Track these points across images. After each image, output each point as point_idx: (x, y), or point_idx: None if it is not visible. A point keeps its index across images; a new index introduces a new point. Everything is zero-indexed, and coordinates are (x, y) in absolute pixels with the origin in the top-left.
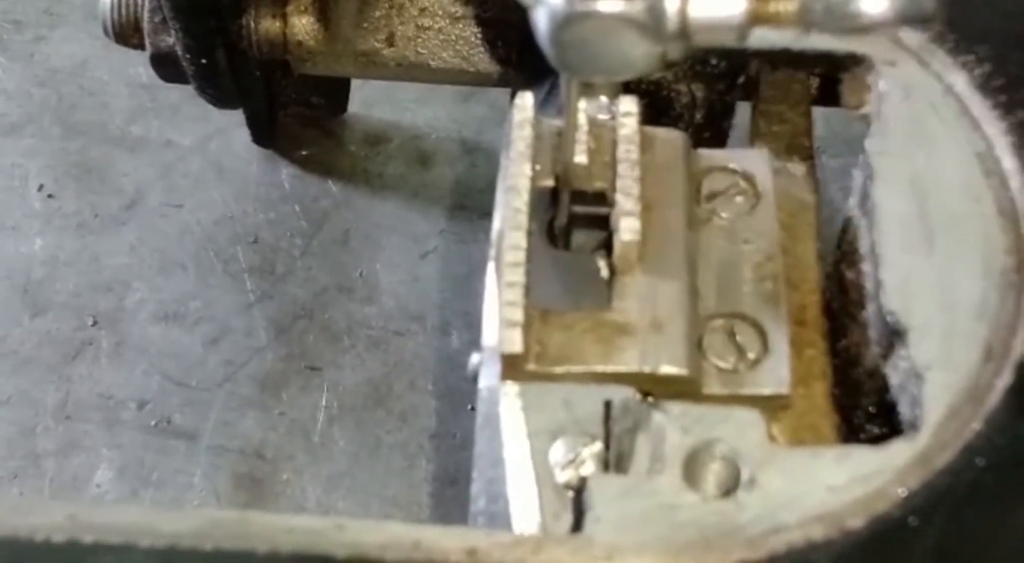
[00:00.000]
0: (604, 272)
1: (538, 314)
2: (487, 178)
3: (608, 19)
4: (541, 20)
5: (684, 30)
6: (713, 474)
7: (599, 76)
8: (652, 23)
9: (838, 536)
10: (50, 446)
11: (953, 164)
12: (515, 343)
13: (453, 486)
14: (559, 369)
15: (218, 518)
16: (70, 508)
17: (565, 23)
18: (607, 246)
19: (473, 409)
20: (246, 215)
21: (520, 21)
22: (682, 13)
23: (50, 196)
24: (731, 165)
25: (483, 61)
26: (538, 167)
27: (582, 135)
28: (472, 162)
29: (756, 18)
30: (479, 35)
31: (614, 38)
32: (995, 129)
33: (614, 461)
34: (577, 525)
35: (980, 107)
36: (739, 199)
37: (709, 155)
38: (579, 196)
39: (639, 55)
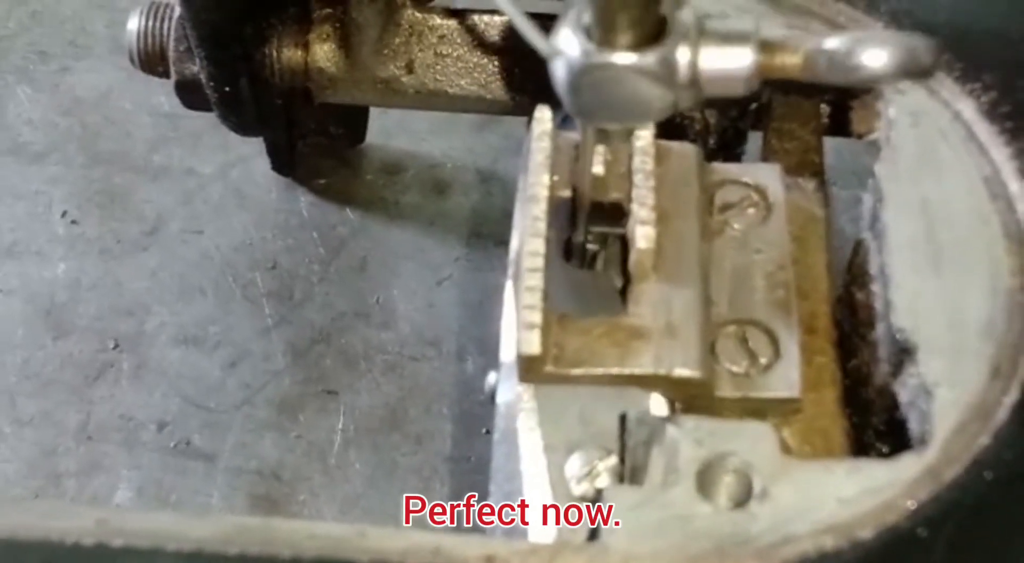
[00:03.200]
0: (618, 287)
1: (556, 319)
2: (502, 207)
3: (623, 71)
4: (559, 71)
5: (695, 81)
6: (726, 486)
7: (614, 123)
8: (665, 74)
9: (848, 547)
10: (71, 466)
11: (961, 188)
12: (533, 344)
13: None
14: (576, 371)
15: (243, 524)
16: (99, 513)
17: (582, 74)
18: (622, 260)
19: (488, 432)
20: (265, 242)
21: (536, 51)
22: (693, 65)
23: (73, 222)
24: (744, 178)
25: (500, 89)
26: (556, 178)
27: (599, 147)
28: (487, 191)
29: (763, 70)
30: (497, 63)
31: (629, 88)
32: (1001, 154)
33: (629, 473)
34: (593, 537)
35: (987, 133)
36: (751, 211)
37: (722, 168)
38: (595, 210)
39: (652, 104)
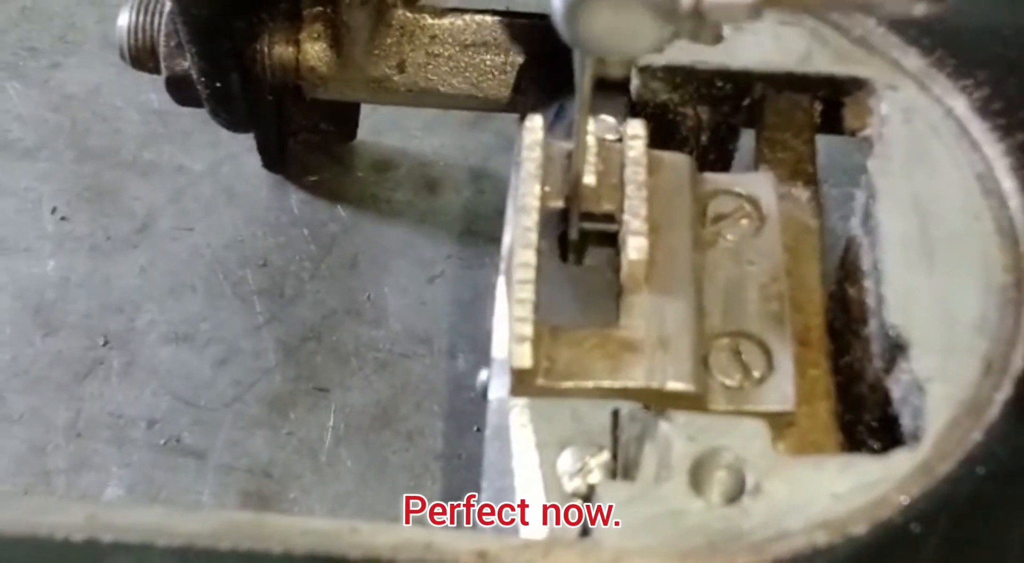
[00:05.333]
0: (612, 289)
1: (547, 331)
2: (494, 204)
3: None
4: None
5: (698, 8)
6: (718, 481)
7: (612, 53)
8: (666, 1)
9: (841, 542)
10: (60, 464)
11: (953, 184)
12: (524, 358)
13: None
14: (567, 384)
15: (234, 519)
16: (89, 508)
17: (580, 1)
18: (615, 264)
19: (479, 430)
20: (256, 239)
21: (527, 49)
22: None
23: (63, 219)
24: (736, 189)
25: (492, 87)
26: (547, 188)
27: (591, 157)
28: (479, 188)
29: None
30: (488, 62)
31: (628, 15)
32: (994, 151)
33: (621, 469)
34: (584, 534)
35: (979, 129)
36: (744, 222)
37: (715, 179)
38: (588, 217)
39: (652, 33)
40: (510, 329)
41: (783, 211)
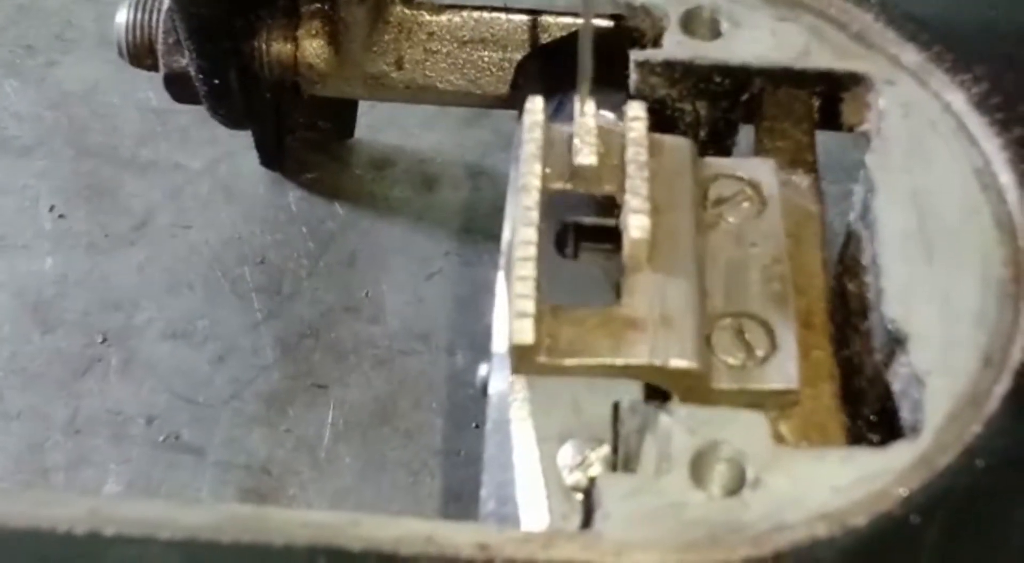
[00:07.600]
0: (610, 281)
1: (549, 308)
2: (491, 201)
3: None
4: None
5: None
6: (719, 474)
7: None
8: None
9: (841, 534)
10: (59, 460)
11: (952, 179)
12: (526, 333)
13: (458, 502)
14: (570, 361)
15: (236, 512)
16: (91, 501)
17: None
18: (615, 256)
19: (478, 426)
20: (254, 236)
21: (525, 45)
22: None
23: (61, 216)
24: (738, 173)
25: (490, 84)
26: (548, 170)
27: (591, 138)
28: (476, 186)
29: None
30: (486, 59)
31: None
32: (992, 145)
33: (622, 462)
34: (585, 526)
35: (977, 124)
36: (745, 205)
37: (716, 163)
38: (588, 203)
39: None
40: (511, 306)
41: (784, 197)
